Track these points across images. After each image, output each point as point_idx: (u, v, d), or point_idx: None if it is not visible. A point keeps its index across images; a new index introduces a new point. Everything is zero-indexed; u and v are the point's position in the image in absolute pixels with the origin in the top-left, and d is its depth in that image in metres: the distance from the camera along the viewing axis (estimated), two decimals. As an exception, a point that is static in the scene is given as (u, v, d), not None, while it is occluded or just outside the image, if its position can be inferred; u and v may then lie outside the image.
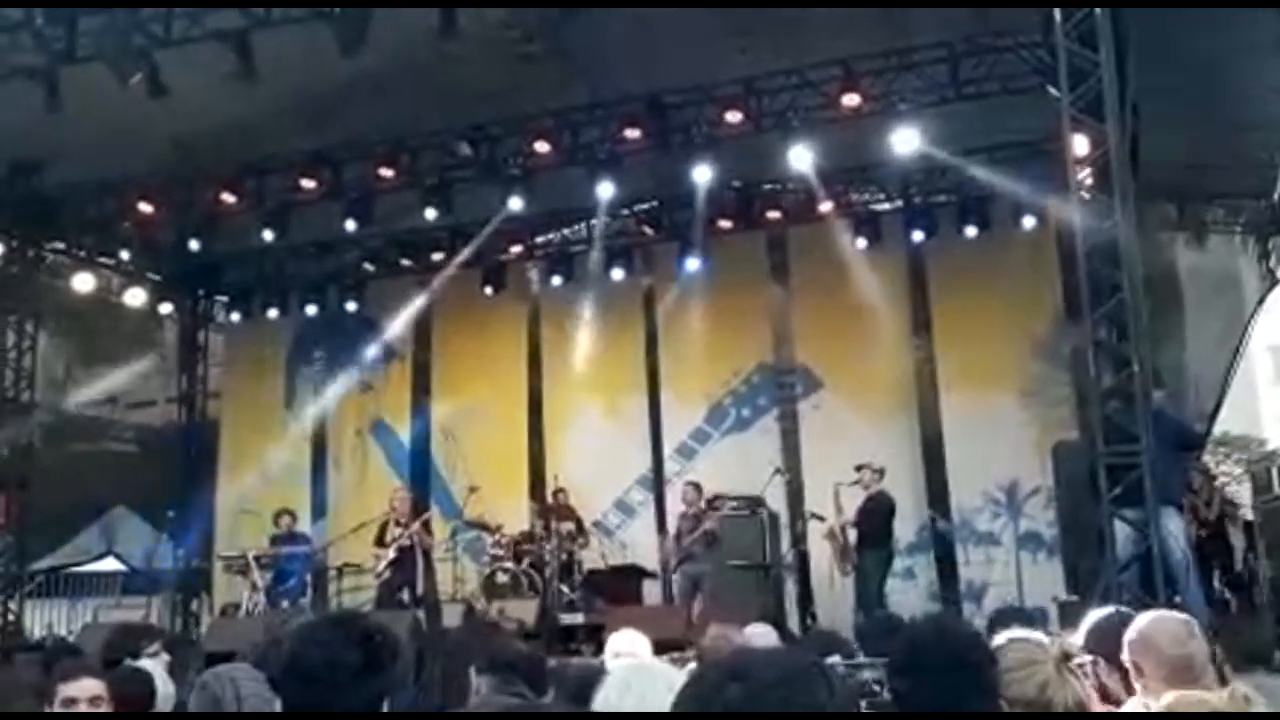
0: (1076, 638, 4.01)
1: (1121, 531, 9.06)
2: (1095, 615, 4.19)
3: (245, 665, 4.66)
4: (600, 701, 3.29)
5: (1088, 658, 3.81)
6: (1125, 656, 3.52)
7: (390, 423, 17.59)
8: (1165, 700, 3.27)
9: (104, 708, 4.41)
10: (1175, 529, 9.42)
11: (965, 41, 12.16)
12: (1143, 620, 3.64)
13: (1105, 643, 3.84)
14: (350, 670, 2.36)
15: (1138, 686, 3.46)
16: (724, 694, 1.72)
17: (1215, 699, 3.24)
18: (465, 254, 16.39)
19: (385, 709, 2.47)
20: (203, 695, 4.59)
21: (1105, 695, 3.72)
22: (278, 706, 2.48)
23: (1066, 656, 3.44)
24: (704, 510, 13.50)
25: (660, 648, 6.01)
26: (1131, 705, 3.59)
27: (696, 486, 13.90)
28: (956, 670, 2.81)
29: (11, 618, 14.89)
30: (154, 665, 5.75)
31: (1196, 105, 12.36)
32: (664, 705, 3.36)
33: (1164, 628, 3.55)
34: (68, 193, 14.82)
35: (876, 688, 8.57)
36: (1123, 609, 4.52)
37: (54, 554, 18.64)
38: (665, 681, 3.37)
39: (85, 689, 4.41)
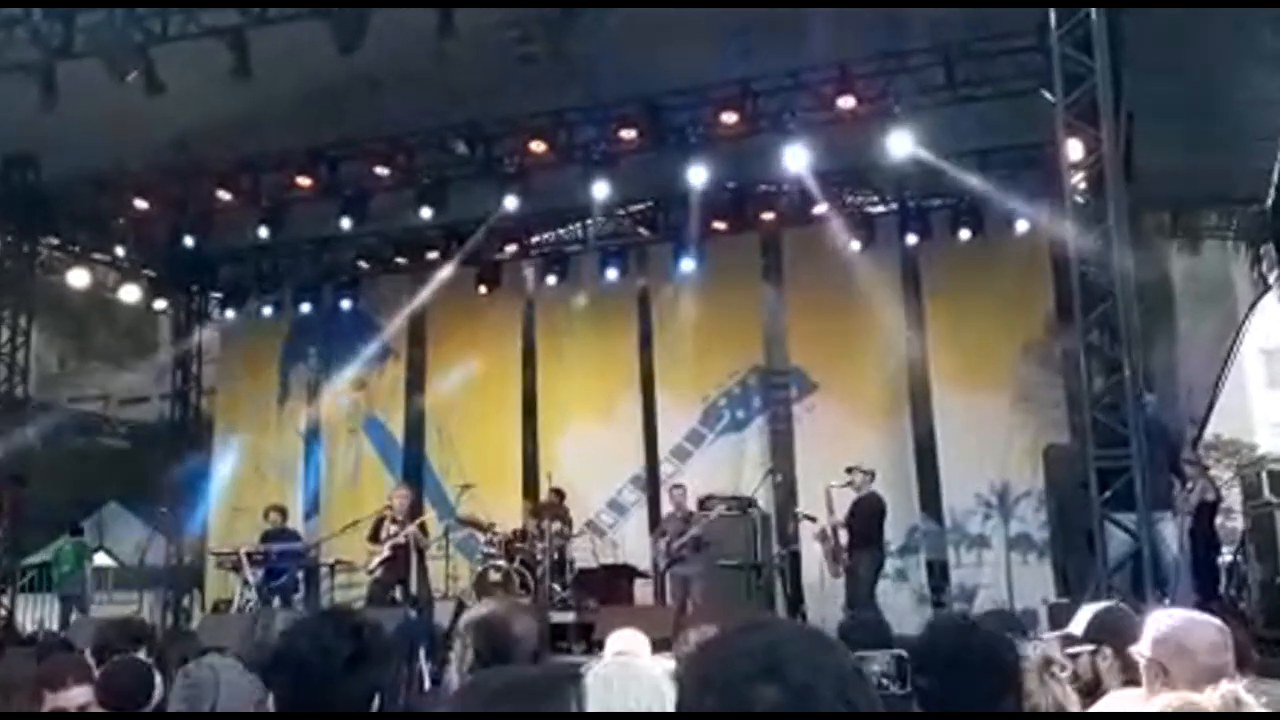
0: (1075, 627, 4.04)
1: (1114, 534, 9.11)
2: (1095, 606, 4.19)
3: (228, 658, 4.69)
4: (586, 697, 3.28)
5: (1088, 647, 3.85)
6: (1147, 653, 3.45)
7: (384, 420, 17.60)
8: (1157, 701, 3.27)
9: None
10: (1168, 533, 9.47)
11: (960, 45, 12.19)
12: (1177, 622, 3.52)
13: (1105, 634, 3.87)
14: (341, 661, 2.37)
15: (1154, 685, 3.38)
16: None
17: (1205, 700, 3.25)
18: (461, 253, 16.44)
19: (376, 707, 2.48)
20: (185, 682, 4.63)
21: (1095, 686, 3.76)
22: (258, 690, 2.49)
23: (1048, 663, 3.48)
24: (691, 513, 13.55)
25: (651, 647, 6.02)
26: (1117, 696, 3.61)
27: (684, 489, 13.98)
28: (990, 671, 2.80)
29: (3, 612, 14.88)
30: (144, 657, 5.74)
31: (1191, 114, 12.41)
32: (649, 707, 3.36)
33: (1204, 635, 3.47)
34: (63, 188, 14.81)
35: (884, 681, 8.61)
36: (1122, 604, 4.54)
37: (46, 549, 18.61)
38: (650, 683, 3.37)
39: (73, 698, 4.37)
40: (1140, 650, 3.43)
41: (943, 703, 2.79)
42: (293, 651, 2.43)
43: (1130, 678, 3.65)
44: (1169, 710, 3.05)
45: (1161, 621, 3.51)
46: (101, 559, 20.12)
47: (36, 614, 17.15)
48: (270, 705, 2.47)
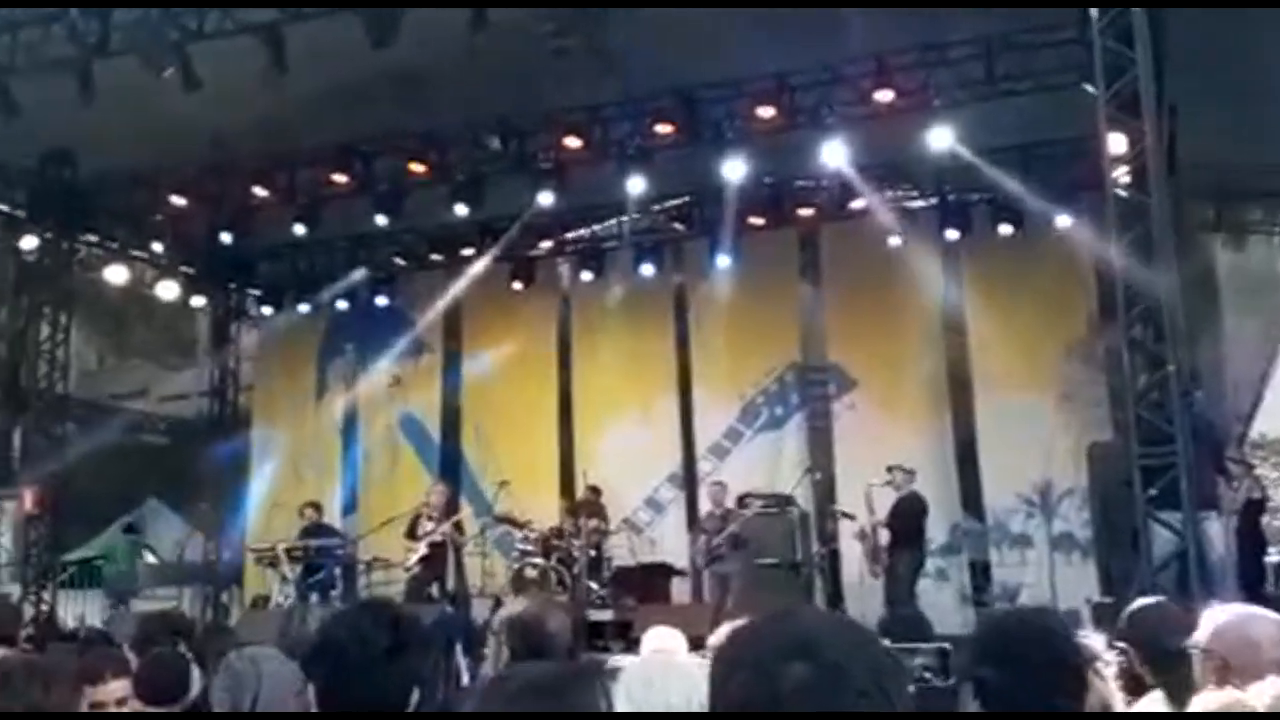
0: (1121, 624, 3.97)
1: (1159, 533, 8.98)
2: (1138, 603, 4.12)
3: (269, 649, 4.70)
4: (622, 695, 3.23)
5: (1121, 644, 3.78)
6: (1205, 645, 3.38)
7: (420, 417, 17.62)
8: (1201, 700, 3.19)
9: (129, 707, 4.41)
10: (1214, 532, 9.34)
11: (1000, 38, 12.05)
12: (1236, 617, 3.45)
13: (1135, 632, 3.80)
14: (379, 651, 2.38)
15: (1209, 679, 3.30)
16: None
17: (1254, 699, 3.17)
18: (496, 249, 16.44)
19: (415, 701, 2.46)
20: (227, 674, 4.63)
21: (1137, 686, 3.68)
22: (299, 681, 2.48)
23: (1091, 659, 3.40)
24: (730, 511, 13.47)
25: (688, 645, 5.96)
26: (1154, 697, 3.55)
27: (723, 486, 13.90)
28: (1055, 668, 2.72)
29: (45, 608, 14.99)
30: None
31: (1235, 106, 12.22)
32: (688, 704, 3.30)
33: (1265, 629, 3.42)
34: (101, 185, 14.94)
35: (927, 674, 8.52)
36: (1166, 601, 4.46)
37: (86, 545, 18.75)
38: (690, 680, 3.31)
39: (111, 692, 4.40)
40: (1196, 643, 3.36)
41: (999, 696, 2.71)
42: (331, 642, 2.44)
43: (1162, 678, 3.58)
44: (1215, 710, 2.98)
45: (1220, 615, 3.45)
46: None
47: (78, 610, 17.26)
48: (310, 695, 2.47)
